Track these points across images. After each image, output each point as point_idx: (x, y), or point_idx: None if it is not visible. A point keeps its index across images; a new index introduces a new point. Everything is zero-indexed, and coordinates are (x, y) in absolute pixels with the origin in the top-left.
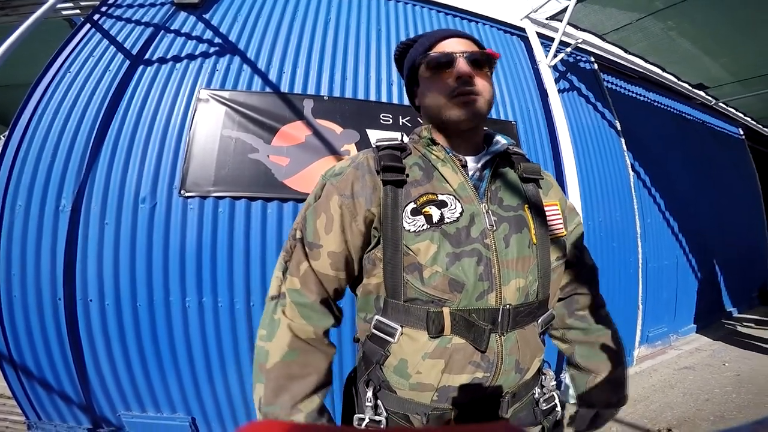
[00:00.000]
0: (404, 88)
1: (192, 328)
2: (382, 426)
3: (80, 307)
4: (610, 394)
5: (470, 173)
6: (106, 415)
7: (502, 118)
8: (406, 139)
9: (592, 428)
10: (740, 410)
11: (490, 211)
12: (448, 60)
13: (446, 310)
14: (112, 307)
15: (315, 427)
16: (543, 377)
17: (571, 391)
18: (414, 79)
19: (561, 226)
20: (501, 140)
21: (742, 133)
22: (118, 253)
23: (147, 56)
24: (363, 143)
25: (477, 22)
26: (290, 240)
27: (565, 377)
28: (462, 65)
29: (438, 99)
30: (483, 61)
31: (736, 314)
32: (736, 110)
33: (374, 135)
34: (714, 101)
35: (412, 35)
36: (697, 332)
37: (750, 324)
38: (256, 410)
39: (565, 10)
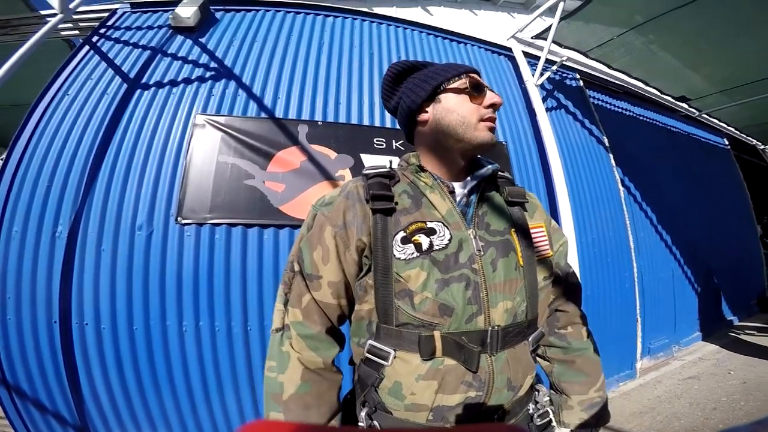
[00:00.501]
0: (400, 106)
1: (189, 351)
2: None
3: (76, 330)
4: (584, 415)
5: (458, 199)
6: None
7: None
8: (395, 165)
9: None
10: (749, 417)
11: (477, 237)
12: (482, 88)
13: (437, 334)
14: (108, 330)
15: (315, 427)
16: (536, 393)
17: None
18: (432, 96)
19: (547, 247)
20: (487, 165)
21: (727, 143)
22: (115, 278)
23: (144, 80)
24: (357, 168)
25: (466, 44)
26: (288, 272)
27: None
28: (495, 96)
29: (467, 118)
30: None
31: (737, 323)
32: (719, 120)
33: (368, 159)
34: (697, 113)
35: (403, 58)
36: (699, 342)
37: (752, 332)
38: None
39: (549, 28)
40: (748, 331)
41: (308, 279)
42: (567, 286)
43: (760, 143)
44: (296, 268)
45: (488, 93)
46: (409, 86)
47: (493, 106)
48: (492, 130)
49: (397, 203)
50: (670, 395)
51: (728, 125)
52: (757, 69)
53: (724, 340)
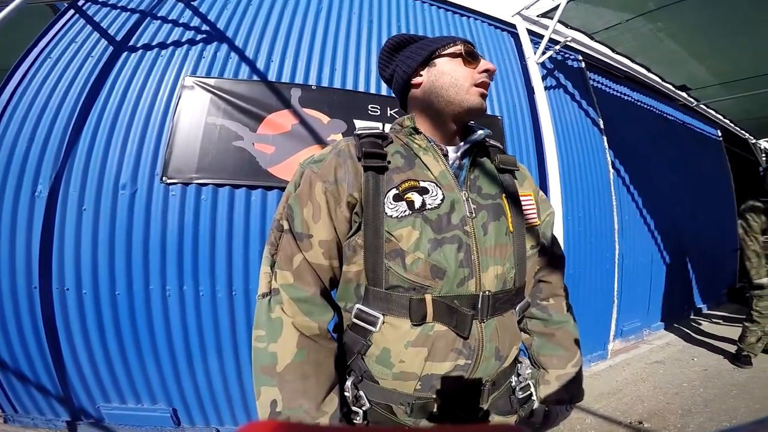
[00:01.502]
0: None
1: (172, 317)
2: (359, 417)
3: (56, 296)
4: (560, 390)
5: (450, 162)
6: (85, 407)
7: (488, 112)
8: (387, 129)
9: (547, 425)
10: (706, 404)
11: (469, 199)
12: (477, 55)
13: (428, 297)
14: (90, 296)
15: (315, 427)
16: (519, 365)
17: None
18: (426, 61)
19: (535, 215)
20: (479, 131)
21: (720, 134)
22: (97, 240)
23: (132, 42)
24: (350, 133)
25: (468, 17)
26: (274, 232)
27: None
28: (489, 63)
29: (460, 82)
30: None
31: (705, 311)
32: (716, 112)
33: (361, 125)
34: (695, 103)
35: (403, 28)
36: (668, 327)
37: (718, 321)
38: (263, 413)
39: (556, 8)
40: (714, 320)
41: (298, 238)
42: (552, 257)
43: (752, 137)
44: (285, 226)
45: (484, 61)
46: (406, 53)
47: (487, 72)
48: (483, 96)
49: (389, 162)
50: (637, 378)
51: (724, 117)
52: (758, 64)
53: (692, 327)
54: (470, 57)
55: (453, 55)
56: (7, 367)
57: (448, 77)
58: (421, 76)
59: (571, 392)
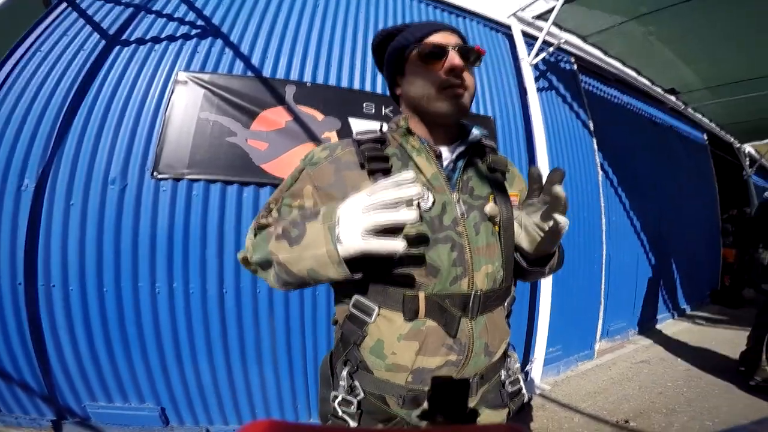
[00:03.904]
0: (382, 76)
1: (161, 314)
2: (353, 406)
3: (42, 292)
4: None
5: (444, 163)
6: (71, 406)
7: (481, 113)
8: (385, 128)
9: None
10: (689, 403)
11: (461, 200)
12: (441, 51)
13: (422, 294)
14: (77, 292)
15: (315, 426)
16: (508, 360)
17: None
18: (398, 68)
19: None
20: (475, 132)
21: (706, 138)
22: (84, 235)
23: (125, 36)
24: (344, 131)
25: (464, 17)
26: (263, 212)
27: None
28: (455, 58)
29: (427, 89)
30: (471, 56)
31: (689, 311)
32: (703, 116)
33: (356, 123)
34: (683, 106)
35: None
36: (653, 328)
37: (701, 321)
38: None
39: (551, 10)
40: (698, 321)
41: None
42: None
43: (736, 141)
44: (275, 215)
45: (449, 55)
46: (387, 59)
47: (453, 70)
48: (456, 97)
49: (392, 165)
50: (622, 378)
51: (710, 121)
52: (742, 69)
53: (676, 327)
54: (431, 57)
55: (415, 61)
56: None
57: (415, 87)
58: (399, 86)
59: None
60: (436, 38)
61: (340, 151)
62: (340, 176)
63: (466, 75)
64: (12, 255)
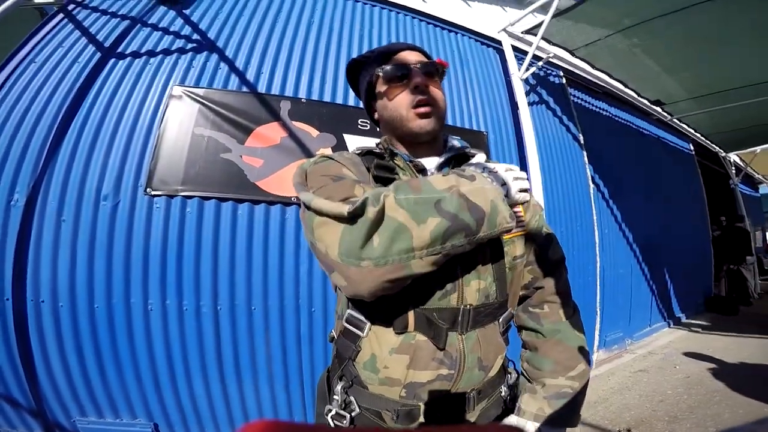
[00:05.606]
0: (361, 102)
1: (154, 330)
2: (345, 421)
3: (31, 307)
4: (546, 405)
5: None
6: (60, 421)
7: (474, 128)
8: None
9: None
10: (692, 410)
11: None
12: (404, 72)
13: (410, 309)
14: (67, 308)
15: (315, 426)
16: (508, 376)
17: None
18: (371, 94)
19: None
20: (455, 143)
21: (692, 148)
22: (75, 251)
23: (120, 49)
24: (339, 147)
25: (456, 33)
26: (335, 200)
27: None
28: (417, 76)
29: (398, 111)
30: (435, 71)
31: (684, 320)
32: (688, 126)
33: (351, 140)
34: (669, 117)
35: (394, 41)
36: (649, 337)
37: (697, 329)
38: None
39: (540, 24)
40: (693, 328)
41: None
42: (543, 262)
43: (722, 151)
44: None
45: (412, 74)
46: (360, 87)
47: (417, 88)
48: (426, 115)
49: (398, 174)
50: (622, 387)
51: (695, 131)
52: (725, 80)
53: (672, 335)
54: (395, 81)
55: (382, 86)
56: None
57: (388, 111)
58: (375, 111)
59: (562, 411)
60: (399, 58)
61: (347, 154)
62: (358, 167)
63: (432, 90)
64: (0, 270)
